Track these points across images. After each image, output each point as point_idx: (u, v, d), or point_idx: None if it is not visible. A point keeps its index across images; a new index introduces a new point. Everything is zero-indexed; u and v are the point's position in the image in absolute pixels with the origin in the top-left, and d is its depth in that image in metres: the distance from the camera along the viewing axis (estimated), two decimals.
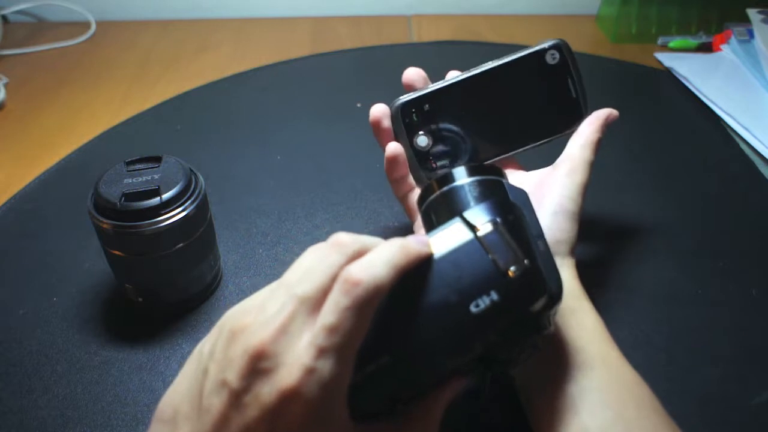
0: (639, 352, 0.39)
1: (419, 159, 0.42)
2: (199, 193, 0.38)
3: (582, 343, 0.32)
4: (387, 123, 0.44)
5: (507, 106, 0.42)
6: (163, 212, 0.36)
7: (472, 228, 0.27)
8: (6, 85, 0.70)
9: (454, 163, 0.42)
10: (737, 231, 0.49)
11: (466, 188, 0.32)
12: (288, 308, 0.24)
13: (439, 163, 0.42)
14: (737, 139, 0.61)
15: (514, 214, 0.30)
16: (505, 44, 0.80)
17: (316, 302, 0.24)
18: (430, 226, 0.32)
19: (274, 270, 0.45)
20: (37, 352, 0.39)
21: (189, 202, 0.37)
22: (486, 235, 0.27)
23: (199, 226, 0.38)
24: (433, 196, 0.33)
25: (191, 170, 0.39)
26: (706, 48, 0.79)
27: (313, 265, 0.25)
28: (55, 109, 0.66)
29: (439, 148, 0.42)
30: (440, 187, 0.32)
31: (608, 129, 0.42)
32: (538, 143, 0.42)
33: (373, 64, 0.75)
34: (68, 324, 0.41)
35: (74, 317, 0.41)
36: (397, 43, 0.81)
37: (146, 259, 0.37)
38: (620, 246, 0.47)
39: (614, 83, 0.72)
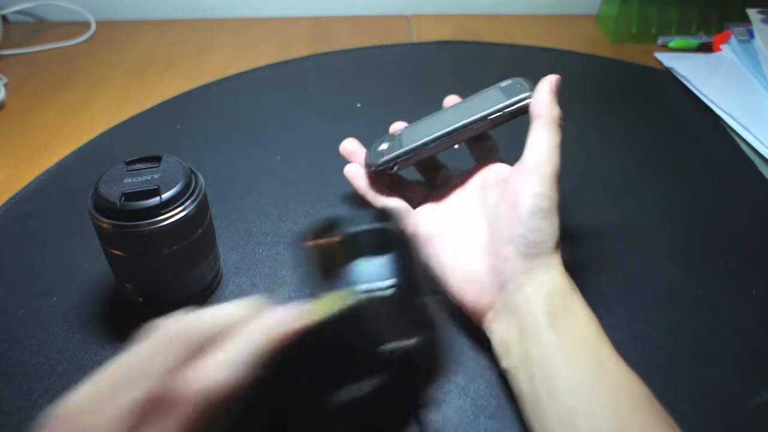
0: (639, 352, 0.39)
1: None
2: (199, 193, 0.38)
3: (572, 346, 0.32)
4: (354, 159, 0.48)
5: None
6: (163, 212, 0.36)
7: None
8: (6, 85, 0.70)
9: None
10: (737, 231, 0.49)
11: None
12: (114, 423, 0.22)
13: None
14: (737, 139, 0.61)
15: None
16: (505, 44, 0.80)
17: (143, 414, 0.22)
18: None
19: (274, 270, 0.45)
20: (37, 352, 0.39)
21: (189, 201, 0.37)
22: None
23: (199, 226, 0.38)
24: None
25: (191, 170, 0.39)
26: (706, 48, 0.79)
27: (144, 366, 0.23)
28: (55, 109, 0.66)
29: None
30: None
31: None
32: (484, 116, 0.41)
33: (373, 64, 0.75)
34: (68, 324, 0.41)
35: (74, 317, 0.41)
36: (397, 43, 0.81)
37: (146, 259, 0.37)
38: (620, 246, 0.47)
39: (614, 83, 0.73)
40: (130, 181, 0.36)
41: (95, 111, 0.66)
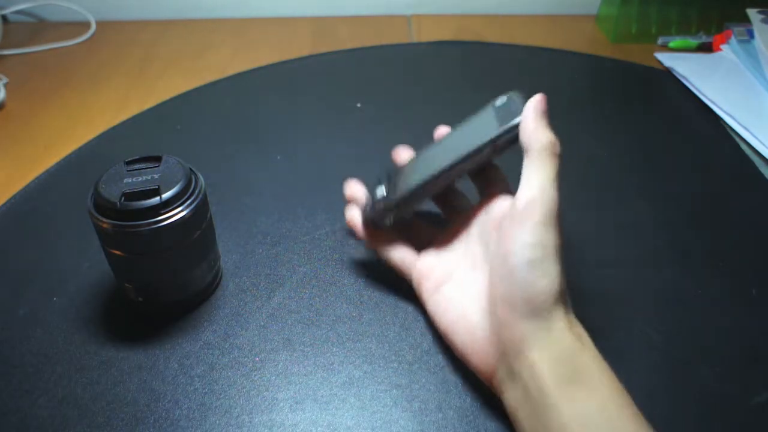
0: (639, 352, 0.39)
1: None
2: (199, 192, 0.38)
3: (585, 419, 0.29)
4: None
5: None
6: (163, 212, 0.36)
7: None
8: (6, 85, 0.70)
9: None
10: (737, 231, 0.49)
11: None
12: None
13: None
14: (737, 139, 0.61)
15: None
16: (505, 44, 0.80)
17: None
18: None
19: (274, 270, 0.45)
20: (37, 352, 0.39)
21: (189, 201, 0.37)
22: None
23: (199, 225, 0.38)
24: None
25: (191, 170, 0.39)
26: (706, 48, 0.79)
27: None
28: (55, 109, 0.66)
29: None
30: None
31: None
32: (475, 150, 0.36)
33: (373, 64, 0.75)
34: (68, 324, 0.41)
35: (74, 317, 0.41)
36: (397, 43, 0.81)
37: (146, 259, 0.37)
38: (620, 246, 0.47)
39: (614, 83, 0.72)
40: (130, 181, 0.36)
41: (95, 111, 0.66)
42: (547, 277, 0.31)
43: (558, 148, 0.33)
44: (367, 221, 0.42)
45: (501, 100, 0.38)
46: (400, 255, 0.42)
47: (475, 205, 0.40)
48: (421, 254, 0.41)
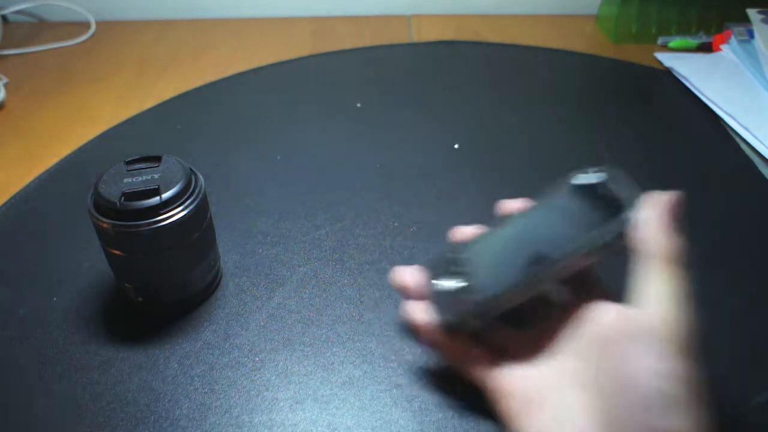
0: None
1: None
2: (199, 192, 0.38)
3: None
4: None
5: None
6: (162, 212, 0.36)
7: None
8: (6, 85, 0.70)
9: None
10: (737, 231, 0.49)
11: None
12: None
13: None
14: (737, 139, 0.61)
15: None
16: (505, 44, 0.80)
17: None
18: None
19: (275, 270, 0.45)
20: (37, 352, 0.39)
21: (189, 201, 0.37)
22: None
23: (199, 225, 0.38)
24: None
25: (191, 170, 0.39)
26: (706, 48, 0.79)
27: None
28: (55, 109, 0.66)
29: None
30: None
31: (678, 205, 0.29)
32: (582, 250, 0.31)
33: (373, 64, 0.75)
34: (68, 324, 0.41)
35: (74, 317, 0.41)
36: (397, 43, 0.81)
37: (146, 259, 0.37)
38: None
39: (614, 83, 0.72)
40: (130, 180, 0.36)
41: (95, 111, 0.66)
42: (688, 422, 0.25)
43: (684, 256, 0.28)
44: (449, 327, 0.33)
45: (597, 177, 0.32)
46: (482, 365, 0.33)
47: (559, 308, 0.33)
48: (502, 365, 0.33)
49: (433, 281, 0.34)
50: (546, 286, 0.31)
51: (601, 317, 0.30)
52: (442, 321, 0.33)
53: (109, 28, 0.85)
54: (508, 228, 0.33)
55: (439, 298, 0.33)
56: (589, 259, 0.31)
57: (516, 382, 0.32)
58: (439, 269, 0.34)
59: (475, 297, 0.31)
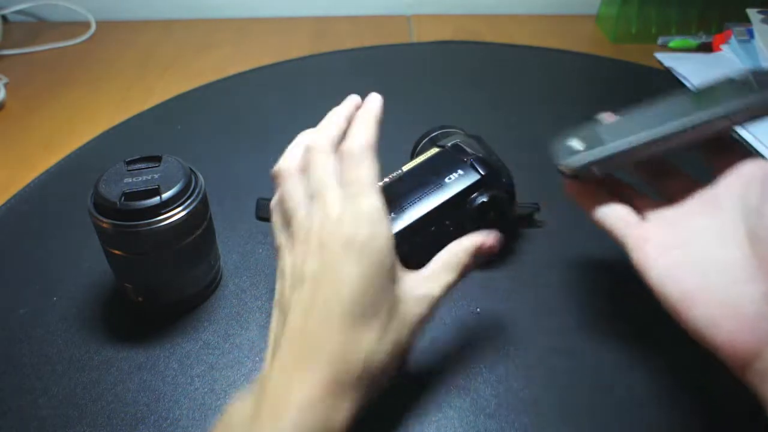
0: (640, 351, 0.39)
1: None
2: (199, 192, 0.38)
3: None
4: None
5: None
6: (162, 212, 0.36)
7: None
8: (6, 85, 0.70)
9: None
10: None
11: None
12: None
13: None
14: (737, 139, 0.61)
15: None
16: (505, 44, 0.80)
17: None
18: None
19: (274, 270, 0.45)
20: (37, 352, 0.39)
21: (189, 201, 0.37)
22: None
23: (199, 225, 0.38)
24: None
25: (191, 170, 0.39)
26: (706, 48, 0.79)
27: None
28: (55, 109, 0.66)
29: None
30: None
31: None
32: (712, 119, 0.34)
33: (373, 64, 0.75)
34: (68, 324, 0.41)
35: (74, 317, 0.41)
36: (397, 43, 0.81)
37: (146, 259, 0.37)
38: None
39: (614, 83, 0.72)
40: (130, 180, 0.36)
41: (95, 111, 0.66)
42: None
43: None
44: (565, 173, 0.37)
45: (740, 77, 0.35)
46: (618, 214, 0.35)
47: (694, 181, 0.36)
48: (646, 219, 0.35)
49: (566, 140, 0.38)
50: (670, 150, 0.36)
51: (755, 169, 0.31)
52: (561, 165, 0.36)
53: (109, 28, 0.85)
54: (644, 113, 0.39)
55: (560, 153, 0.37)
56: (722, 123, 0.34)
57: (658, 229, 0.33)
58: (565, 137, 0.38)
59: (591, 148, 0.36)
